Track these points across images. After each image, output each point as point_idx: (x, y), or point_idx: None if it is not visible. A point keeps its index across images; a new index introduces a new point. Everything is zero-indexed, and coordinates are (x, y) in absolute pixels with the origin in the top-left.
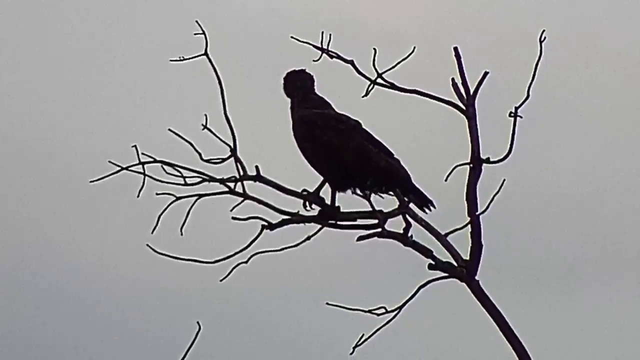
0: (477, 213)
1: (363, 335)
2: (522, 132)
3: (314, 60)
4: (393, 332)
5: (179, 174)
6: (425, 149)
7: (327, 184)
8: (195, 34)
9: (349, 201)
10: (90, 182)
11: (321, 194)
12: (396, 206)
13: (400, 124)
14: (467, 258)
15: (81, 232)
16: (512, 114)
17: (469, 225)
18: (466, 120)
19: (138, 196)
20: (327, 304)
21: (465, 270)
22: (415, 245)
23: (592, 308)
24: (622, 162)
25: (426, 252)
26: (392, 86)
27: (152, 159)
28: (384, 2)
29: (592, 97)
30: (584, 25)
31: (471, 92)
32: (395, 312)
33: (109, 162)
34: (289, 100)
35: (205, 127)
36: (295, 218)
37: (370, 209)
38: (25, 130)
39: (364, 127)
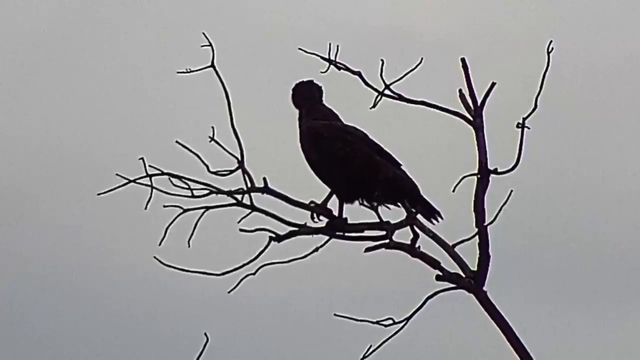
0: (485, 224)
1: (371, 346)
2: (529, 142)
3: (321, 72)
4: (401, 343)
5: (187, 186)
6: (432, 160)
7: (334, 196)
8: (202, 45)
9: (356, 212)
10: (98, 194)
11: (329, 205)
12: (404, 217)
13: (407, 135)
14: (475, 269)
15: (88, 244)
16: (520, 125)
17: (477, 236)
18: (474, 131)
19: (145, 208)
20: (335, 315)
21: (473, 281)
22: (422, 256)
23: (604, 320)
24: (633, 171)
25: (434, 263)
26: (400, 97)
27: (159, 171)
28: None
29: (601, 108)
30: (592, 35)
31: (479, 103)
32: (403, 323)
33: (116, 174)
34: (297, 111)
35: (212, 139)
36: (303, 230)
37: (378, 220)
38: (28, 139)
39: (371, 138)
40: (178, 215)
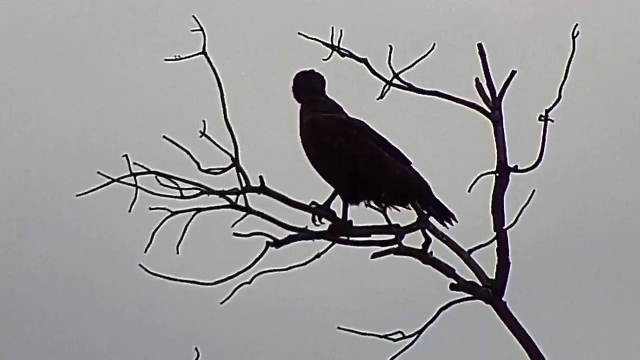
0: (504, 227)
1: None
2: (553, 137)
3: (323, 59)
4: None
5: (176, 186)
6: (446, 157)
7: (338, 196)
8: (192, 30)
9: (362, 215)
10: (77, 195)
11: (332, 207)
12: (415, 220)
13: (419, 130)
14: (493, 277)
15: (67, 250)
16: (543, 118)
17: (495, 241)
18: (492, 125)
19: (130, 211)
20: (339, 328)
21: (491, 291)
22: (435, 263)
23: (635, 331)
24: None
25: (448, 271)
26: (410, 87)
27: (145, 170)
28: None
29: (633, 98)
30: (622, 18)
31: (497, 93)
32: (414, 337)
33: (98, 173)
34: (299, 104)
35: (203, 134)
36: (304, 234)
37: (386, 224)
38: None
39: (378, 132)
40: (166, 219)
